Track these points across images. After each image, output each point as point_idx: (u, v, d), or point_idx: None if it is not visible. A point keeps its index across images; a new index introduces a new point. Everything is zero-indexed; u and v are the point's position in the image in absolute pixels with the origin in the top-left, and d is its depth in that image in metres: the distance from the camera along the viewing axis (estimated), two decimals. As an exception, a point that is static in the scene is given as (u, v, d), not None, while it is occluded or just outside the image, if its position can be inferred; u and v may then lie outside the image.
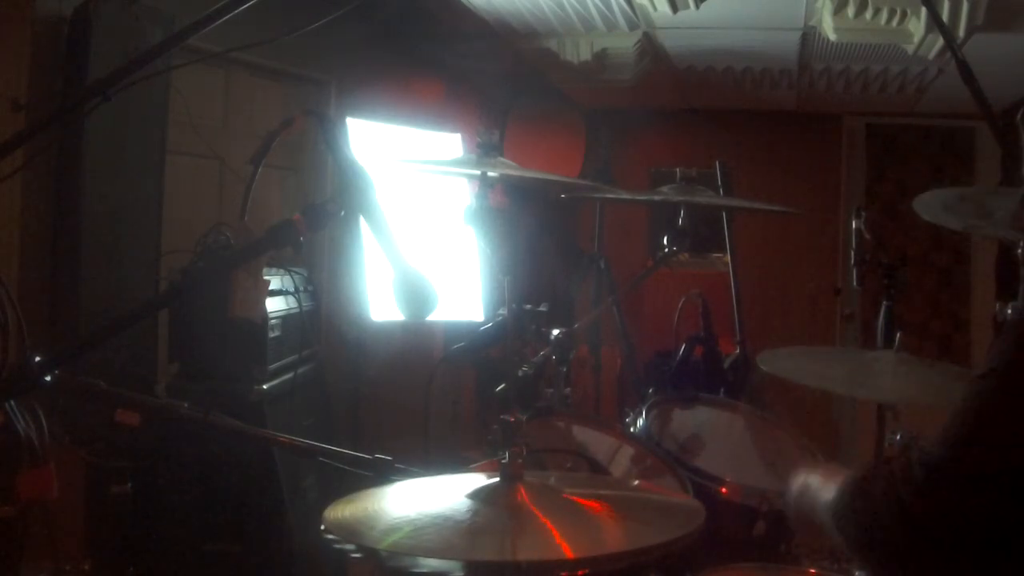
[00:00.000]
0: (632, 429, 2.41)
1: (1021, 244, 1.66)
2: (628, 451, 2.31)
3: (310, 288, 3.28)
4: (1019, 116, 1.46)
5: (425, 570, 1.12)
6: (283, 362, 2.95)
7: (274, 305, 2.90)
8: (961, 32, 3.45)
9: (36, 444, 1.61)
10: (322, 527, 1.20)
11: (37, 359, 1.20)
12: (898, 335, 2.17)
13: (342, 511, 1.26)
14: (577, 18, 3.96)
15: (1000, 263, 5.48)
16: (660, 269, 3.02)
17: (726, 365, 3.37)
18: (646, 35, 4.16)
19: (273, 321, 2.88)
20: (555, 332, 2.50)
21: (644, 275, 3.44)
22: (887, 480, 1.11)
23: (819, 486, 1.35)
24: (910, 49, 3.88)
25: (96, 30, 2.58)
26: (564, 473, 1.95)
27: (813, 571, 1.96)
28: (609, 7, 3.79)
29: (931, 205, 1.84)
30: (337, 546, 1.16)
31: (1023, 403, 1.06)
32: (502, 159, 2.41)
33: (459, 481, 1.39)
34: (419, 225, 3.52)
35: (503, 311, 2.17)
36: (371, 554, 1.14)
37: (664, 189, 2.68)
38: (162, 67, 2.47)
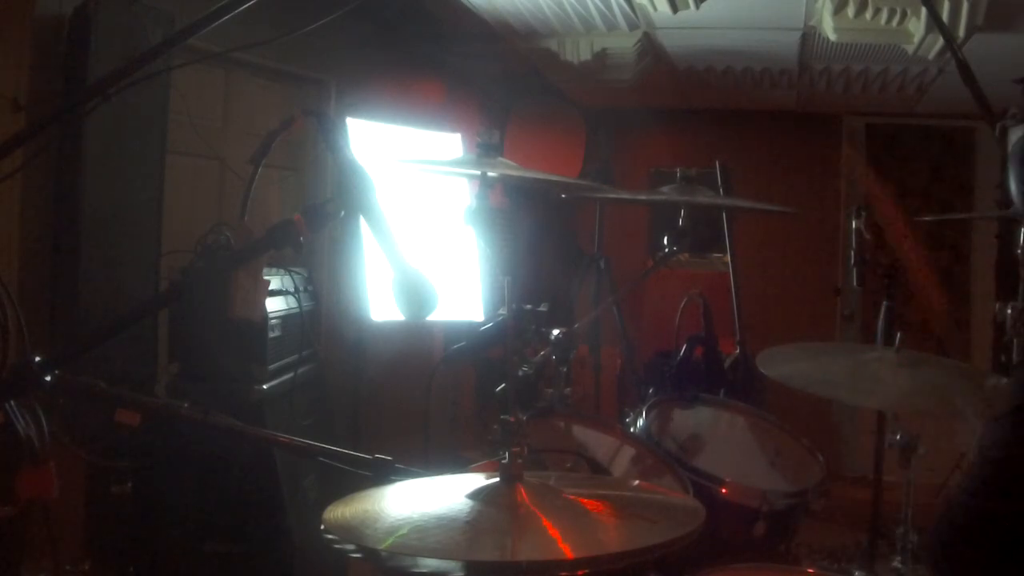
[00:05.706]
0: (632, 429, 2.41)
1: (1021, 244, 1.66)
2: (628, 451, 2.31)
3: (310, 288, 3.28)
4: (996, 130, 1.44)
5: (425, 570, 1.11)
6: (283, 362, 2.95)
7: (274, 305, 2.90)
8: (961, 32, 3.45)
9: (36, 444, 1.60)
10: (322, 527, 1.20)
11: (37, 359, 1.20)
12: (898, 334, 2.17)
13: (342, 511, 1.26)
14: (577, 18, 3.96)
15: (1000, 263, 5.48)
16: (660, 269, 3.02)
17: (726, 365, 3.37)
18: (646, 35, 4.16)
19: (273, 321, 2.88)
20: (555, 332, 2.50)
21: (644, 275, 3.44)
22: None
23: None
24: (910, 49, 3.88)
25: (96, 30, 2.58)
26: (564, 473, 1.95)
27: (812, 571, 1.96)
28: (609, 7, 3.78)
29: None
30: (337, 546, 1.16)
31: None
32: (502, 159, 2.41)
33: (459, 481, 1.39)
34: (419, 225, 3.51)
35: (503, 311, 2.17)
36: (371, 554, 1.14)
37: (664, 189, 2.68)
38: (162, 67, 2.47)
